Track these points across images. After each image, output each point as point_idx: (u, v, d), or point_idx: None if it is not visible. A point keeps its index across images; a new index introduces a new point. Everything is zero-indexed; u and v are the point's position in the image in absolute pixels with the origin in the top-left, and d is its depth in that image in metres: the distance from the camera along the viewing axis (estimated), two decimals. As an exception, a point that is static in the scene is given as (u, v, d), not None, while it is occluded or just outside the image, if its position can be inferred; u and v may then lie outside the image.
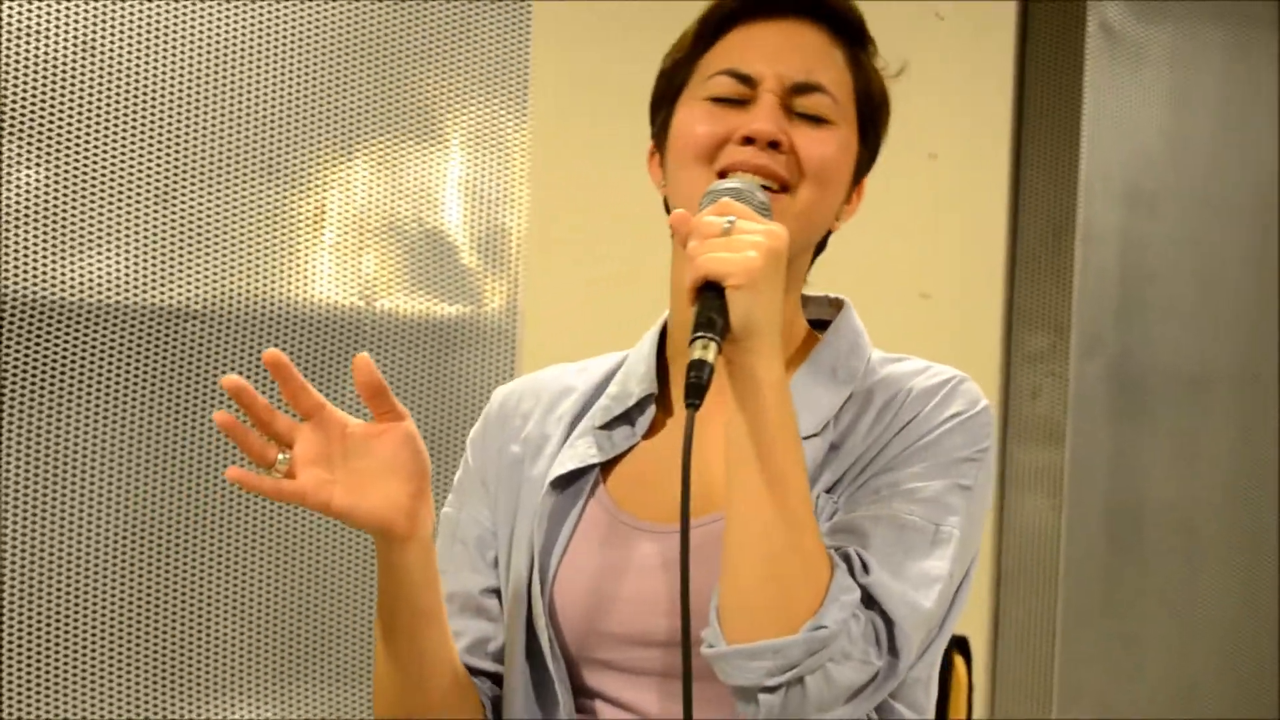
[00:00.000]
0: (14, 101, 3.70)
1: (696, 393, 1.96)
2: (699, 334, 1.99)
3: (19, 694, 3.72)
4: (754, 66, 2.22)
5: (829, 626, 2.00)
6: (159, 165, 3.86)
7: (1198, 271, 6.08)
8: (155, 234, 3.83)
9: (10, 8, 3.67)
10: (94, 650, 3.78)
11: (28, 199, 3.70)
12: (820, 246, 2.36)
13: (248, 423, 2.09)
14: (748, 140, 2.20)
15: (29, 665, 3.73)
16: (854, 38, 2.30)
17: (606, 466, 2.30)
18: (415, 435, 2.12)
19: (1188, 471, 6.12)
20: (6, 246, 3.69)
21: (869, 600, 2.07)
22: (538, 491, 2.30)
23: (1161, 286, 6.00)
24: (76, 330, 3.74)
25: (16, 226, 3.70)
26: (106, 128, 3.80)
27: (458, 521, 2.39)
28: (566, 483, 2.28)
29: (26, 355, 3.71)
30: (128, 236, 3.79)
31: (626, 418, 2.31)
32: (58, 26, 3.74)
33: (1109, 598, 5.97)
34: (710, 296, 2.00)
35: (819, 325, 2.40)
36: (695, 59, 2.29)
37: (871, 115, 2.30)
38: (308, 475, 2.08)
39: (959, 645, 4.94)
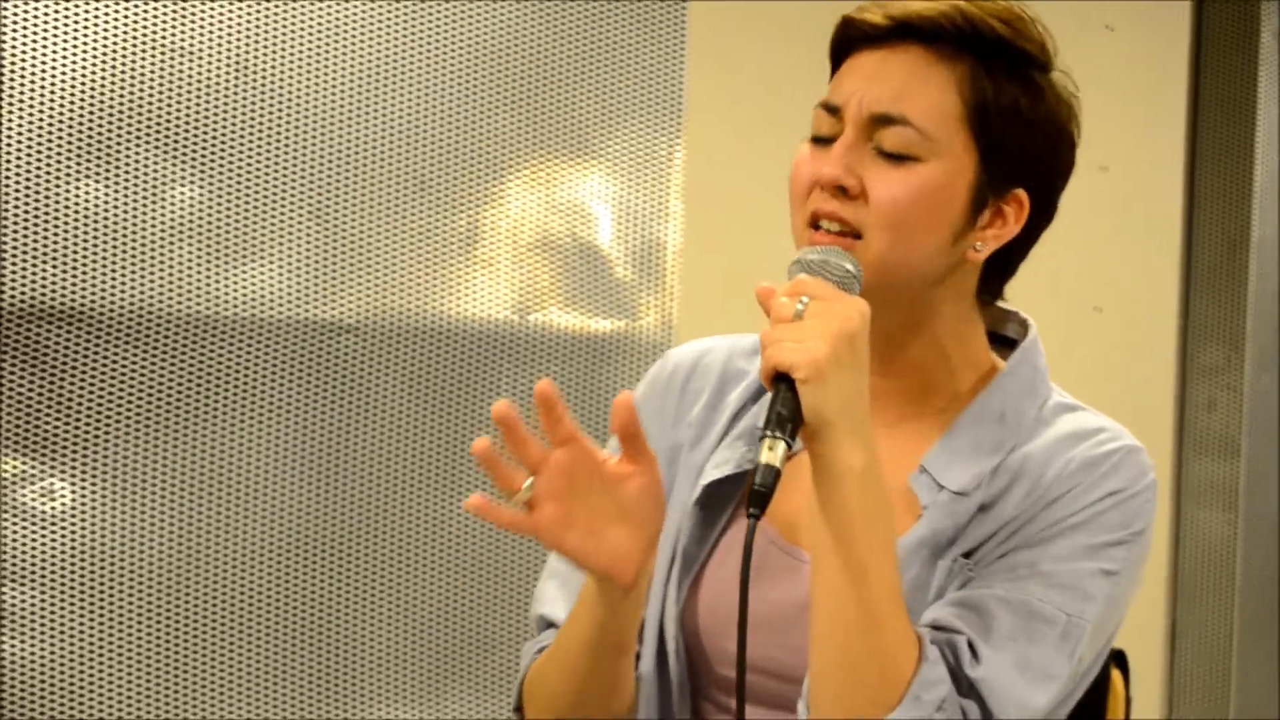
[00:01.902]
0: (173, 121, 3.77)
1: (758, 501, 1.93)
2: (766, 431, 1.95)
3: (182, 694, 3.81)
4: (840, 95, 2.15)
5: None
6: (315, 183, 3.92)
7: None
8: (311, 250, 3.89)
9: (169, 32, 3.74)
10: (252, 653, 3.86)
11: (187, 217, 3.77)
12: (1003, 264, 2.24)
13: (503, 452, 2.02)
14: (825, 190, 2.13)
15: (192, 668, 3.81)
16: (977, 49, 2.14)
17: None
18: (659, 484, 2.07)
19: None
20: (167, 263, 3.76)
21: (971, 689, 2.02)
22: (691, 483, 2.27)
23: None
24: (235, 345, 3.81)
25: (176, 244, 3.77)
26: (263, 147, 3.86)
27: None
28: (721, 484, 2.24)
29: (186, 370, 3.78)
30: (284, 253, 3.85)
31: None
32: (215, 48, 3.81)
33: None
34: (782, 388, 1.96)
35: (1009, 343, 2.31)
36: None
37: (994, 129, 2.13)
38: (546, 511, 2.02)
39: (1117, 659, 4.95)
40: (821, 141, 2.16)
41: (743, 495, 2.21)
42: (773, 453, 1.95)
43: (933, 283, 2.17)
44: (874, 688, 1.99)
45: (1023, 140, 2.15)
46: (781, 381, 1.97)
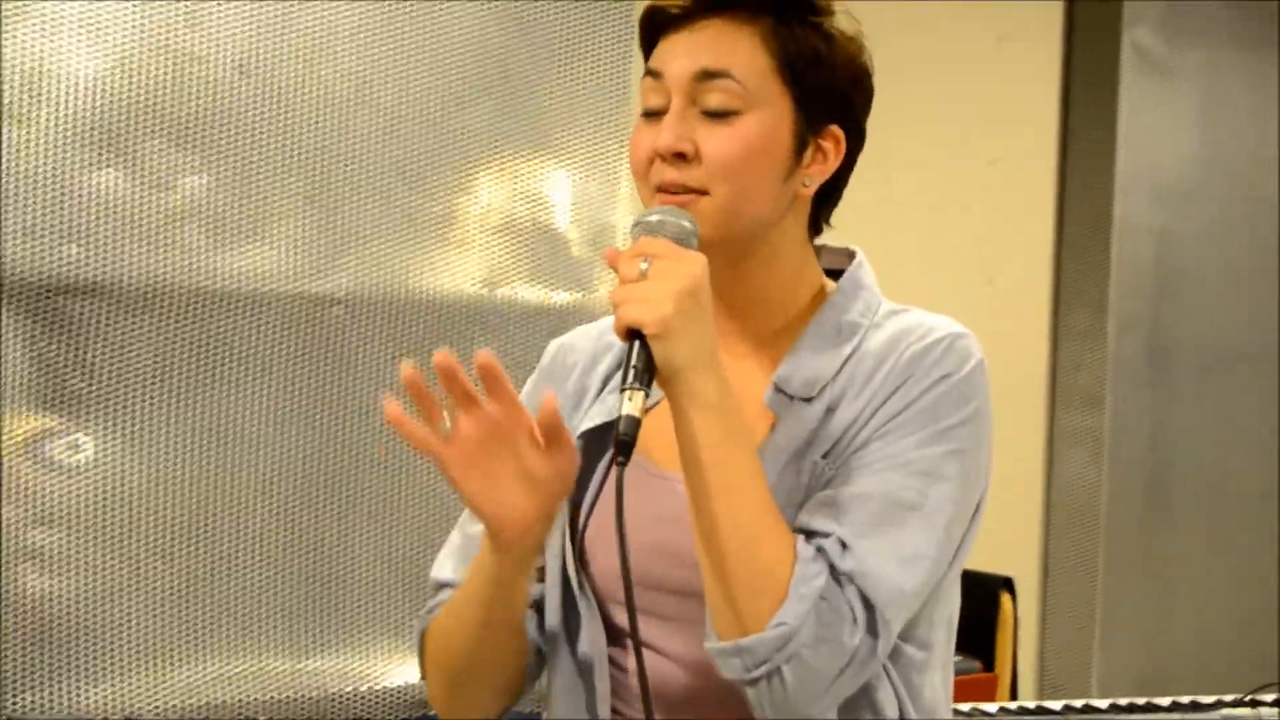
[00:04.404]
0: (183, 117, 3.69)
1: (624, 450, 1.84)
2: (624, 384, 1.86)
3: (196, 622, 3.74)
4: (661, 62, 2.04)
5: (789, 623, 1.86)
6: (309, 172, 3.84)
7: (1223, 261, 6.01)
8: (306, 232, 3.81)
9: (175, 37, 3.66)
10: (255, 584, 3.80)
11: (195, 202, 3.69)
12: (827, 196, 2.12)
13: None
14: (665, 161, 2.02)
15: (203, 599, 3.75)
16: (776, 9, 2.04)
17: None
18: (569, 474, 1.96)
19: (1216, 436, 6.05)
20: (177, 243, 3.68)
21: (849, 581, 1.90)
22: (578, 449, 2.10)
23: (1191, 274, 5.94)
24: (237, 315, 3.74)
25: (185, 226, 3.69)
26: (263, 139, 3.79)
27: None
28: (599, 435, 2.12)
29: (195, 336, 3.70)
30: (281, 234, 3.77)
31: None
32: (219, 52, 3.73)
33: (1145, 545, 5.92)
34: (635, 344, 1.87)
35: (839, 275, 2.18)
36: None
37: (803, 73, 2.02)
38: (458, 448, 1.92)
39: (1006, 585, 4.90)
40: (652, 115, 2.05)
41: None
42: (632, 403, 1.86)
43: (771, 224, 2.06)
44: (758, 595, 1.88)
45: (829, 81, 2.05)
46: (634, 337, 1.88)
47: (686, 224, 1.96)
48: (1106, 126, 5.76)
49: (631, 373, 1.86)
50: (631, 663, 2.05)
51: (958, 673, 4.60)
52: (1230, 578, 6.08)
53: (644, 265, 1.88)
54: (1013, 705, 3.55)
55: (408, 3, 3.97)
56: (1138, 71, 5.73)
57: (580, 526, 2.13)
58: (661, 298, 1.86)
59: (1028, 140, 5.78)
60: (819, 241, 2.18)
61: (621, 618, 2.08)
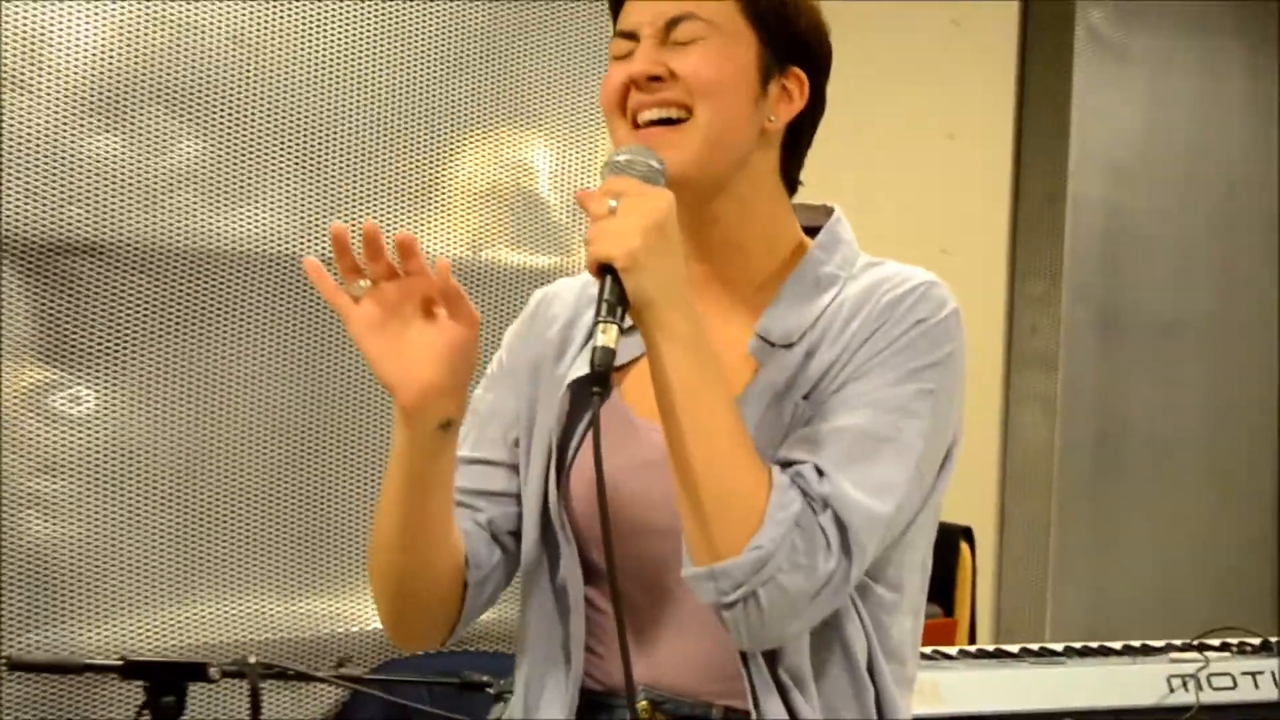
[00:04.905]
0: (179, 85, 3.62)
1: (600, 380, 1.79)
2: (597, 319, 1.81)
3: (193, 564, 3.68)
4: (631, 21, 1.99)
5: (765, 546, 1.79)
6: (300, 139, 3.77)
7: (1170, 234, 6.04)
8: (296, 196, 3.73)
9: (172, 7, 3.60)
10: (249, 528, 3.74)
11: (190, 166, 3.63)
12: (794, 146, 2.07)
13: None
14: (640, 88, 1.97)
15: (200, 543, 3.69)
16: None
17: (620, 369, 2.04)
18: (470, 344, 1.87)
19: (1163, 398, 6.06)
20: (173, 206, 3.61)
21: (824, 506, 1.84)
22: (558, 390, 2.06)
23: (1140, 246, 5.97)
24: (230, 274, 3.68)
25: (181, 189, 3.63)
26: (256, 107, 3.72)
27: (486, 402, 2.15)
28: (585, 384, 1.99)
29: (190, 294, 3.65)
30: (273, 197, 3.70)
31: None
32: (214, 23, 3.66)
33: (1096, 500, 5.92)
34: (607, 279, 1.81)
35: (817, 233, 2.12)
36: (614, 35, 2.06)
37: (767, 16, 1.98)
38: (367, 309, 1.86)
39: (965, 535, 4.84)
40: (621, 59, 2.00)
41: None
42: (606, 335, 1.81)
43: (743, 156, 1.99)
44: (735, 523, 1.81)
45: (791, 24, 2.01)
46: (606, 272, 1.82)
47: (654, 163, 1.90)
48: (1061, 106, 5.77)
49: (604, 306, 1.81)
50: (606, 604, 1.98)
51: (918, 618, 4.57)
52: (1173, 530, 6.07)
53: (612, 203, 1.83)
54: (973, 648, 3.47)
55: (398, -24, 3.91)
56: (1091, 54, 5.75)
57: (565, 467, 2.04)
58: (629, 232, 1.81)
59: (986, 118, 5.78)
60: (798, 201, 2.11)
61: (600, 558, 1.98)
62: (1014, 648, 3.47)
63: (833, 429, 1.89)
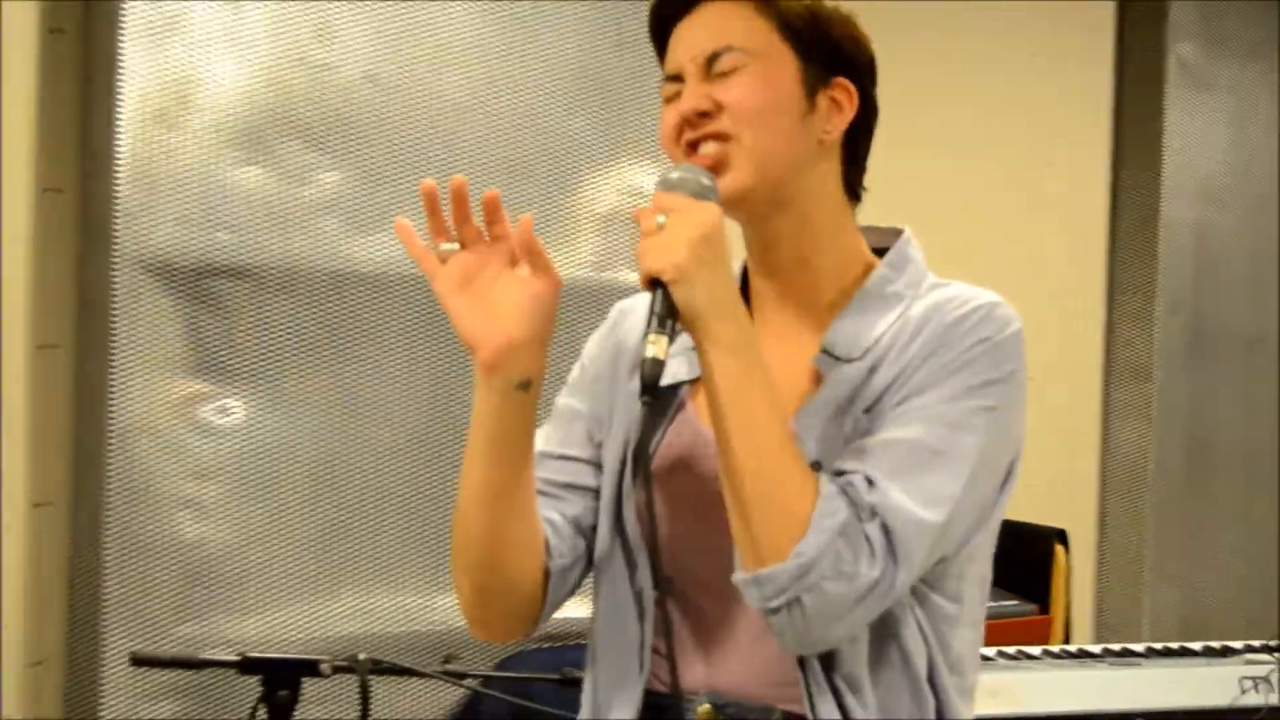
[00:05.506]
0: (318, 121, 3.61)
1: (648, 389, 1.70)
2: (648, 331, 1.71)
3: (328, 564, 3.66)
4: (676, 64, 1.89)
5: (807, 553, 1.69)
6: (431, 169, 3.71)
7: (1255, 253, 5.87)
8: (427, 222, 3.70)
9: (310, 50, 3.59)
10: (381, 532, 3.70)
11: (327, 196, 3.62)
12: (853, 155, 1.94)
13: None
14: (691, 125, 1.87)
15: (335, 544, 3.67)
16: None
17: (695, 383, 1.92)
18: (551, 301, 1.79)
19: (1248, 407, 5.89)
20: (313, 232, 3.60)
21: (872, 514, 1.73)
22: (631, 401, 1.94)
23: (1227, 264, 5.80)
24: (366, 295, 3.66)
25: (320, 216, 3.61)
26: (390, 140, 3.70)
27: (568, 405, 2.04)
28: (659, 396, 1.84)
29: (328, 314, 3.63)
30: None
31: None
32: (347, 63, 3.65)
33: (1188, 504, 5.75)
34: (657, 291, 1.71)
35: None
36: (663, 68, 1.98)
37: (801, 33, 1.88)
38: (452, 269, 1.78)
39: (1060, 536, 4.70)
40: (672, 101, 1.90)
41: (681, 402, 1.95)
42: (656, 346, 1.71)
43: (799, 170, 1.88)
44: (779, 529, 1.71)
45: (826, 36, 1.89)
46: (655, 285, 1.72)
47: (705, 180, 1.80)
48: (1154, 134, 5.63)
49: (654, 319, 1.71)
50: (675, 609, 1.89)
51: (1015, 615, 4.43)
52: (1260, 533, 5.90)
53: (661, 219, 1.74)
54: (1056, 649, 3.34)
55: (520, 20, 3.84)
56: (1180, 84, 5.60)
57: (637, 481, 1.91)
58: (676, 245, 1.71)
59: (1083, 146, 5.65)
60: (871, 224, 1.99)
61: (669, 566, 1.88)
62: (1096, 648, 3.34)
63: (887, 440, 1.78)
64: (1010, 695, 2.92)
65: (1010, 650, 3.24)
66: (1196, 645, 3.39)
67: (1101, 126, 5.61)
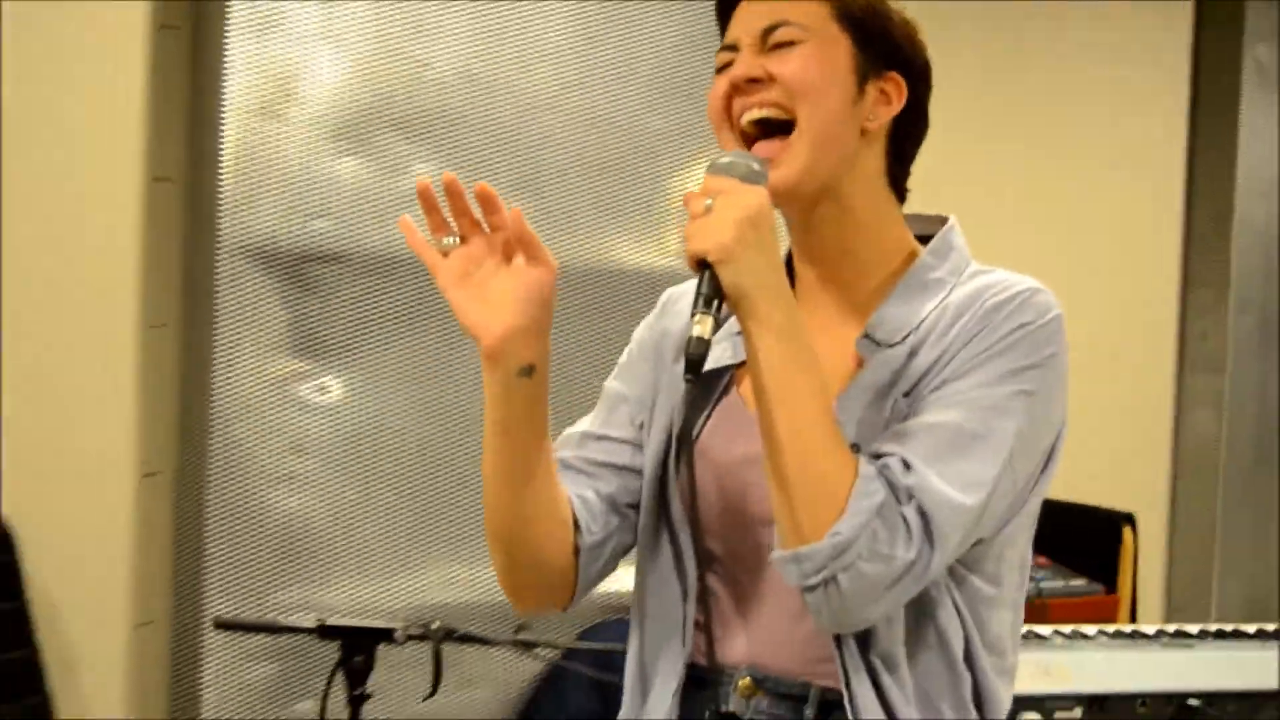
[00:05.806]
0: (413, 113, 3.61)
1: (692, 368, 1.66)
2: (694, 311, 1.66)
3: (418, 537, 3.67)
4: (732, 34, 1.85)
5: (844, 533, 1.65)
6: (523, 161, 3.74)
7: None
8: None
9: (406, 46, 3.58)
10: (470, 506, 3.65)
11: None
12: (898, 153, 1.89)
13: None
14: (741, 92, 1.82)
15: (426, 518, 3.66)
16: None
17: (741, 366, 1.88)
18: (547, 288, 1.75)
19: None
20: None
21: (909, 497, 1.69)
22: (677, 382, 1.91)
23: None
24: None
25: (412, 206, 3.45)
26: (483, 133, 3.69)
27: (614, 388, 2.00)
28: (705, 379, 1.86)
29: (421, 298, 3.62)
30: None
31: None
32: (441, 58, 3.63)
33: (1257, 490, 5.67)
34: (704, 272, 1.68)
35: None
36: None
37: (860, 20, 1.83)
38: (453, 262, 1.76)
39: (1128, 520, 4.63)
40: (724, 69, 1.85)
41: (726, 385, 1.90)
42: (701, 326, 1.66)
43: (846, 156, 1.83)
44: (818, 508, 1.67)
45: (884, 29, 1.84)
46: (702, 267, 1.67)
47: (755, 165, 1.75)
48: (1229, 134, 5.56)
49: (700, 300, 1.66)
50: (717, 585, 1.86)
51: (1083, 595, 4.38)
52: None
53: (708, 202, 1.69)
54: (1111, 629, 3.27)
55: (608, 20, 3.83)
56: (1255, 86, 5.50)
57: (682, 461, 1.89)
58: (722, 227, 1.66)
59: (1160, 146, 5.58)
60: (916, 211, 1.94)
61: (712, 543, 1.87)
62: (1151, 629, 3.28)
63: (925, 424, 1.73)
64: (1064, 673, 2.87)
65: (1066, 630, 3.19)
66: (1250, 628, 3.32)
67: (1178, 125, 5.53)
